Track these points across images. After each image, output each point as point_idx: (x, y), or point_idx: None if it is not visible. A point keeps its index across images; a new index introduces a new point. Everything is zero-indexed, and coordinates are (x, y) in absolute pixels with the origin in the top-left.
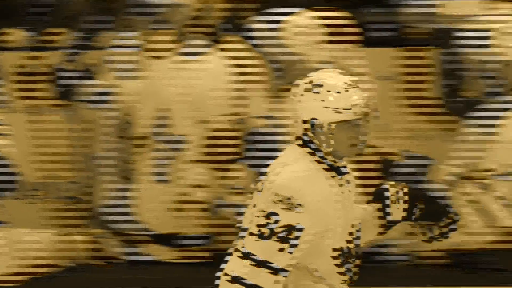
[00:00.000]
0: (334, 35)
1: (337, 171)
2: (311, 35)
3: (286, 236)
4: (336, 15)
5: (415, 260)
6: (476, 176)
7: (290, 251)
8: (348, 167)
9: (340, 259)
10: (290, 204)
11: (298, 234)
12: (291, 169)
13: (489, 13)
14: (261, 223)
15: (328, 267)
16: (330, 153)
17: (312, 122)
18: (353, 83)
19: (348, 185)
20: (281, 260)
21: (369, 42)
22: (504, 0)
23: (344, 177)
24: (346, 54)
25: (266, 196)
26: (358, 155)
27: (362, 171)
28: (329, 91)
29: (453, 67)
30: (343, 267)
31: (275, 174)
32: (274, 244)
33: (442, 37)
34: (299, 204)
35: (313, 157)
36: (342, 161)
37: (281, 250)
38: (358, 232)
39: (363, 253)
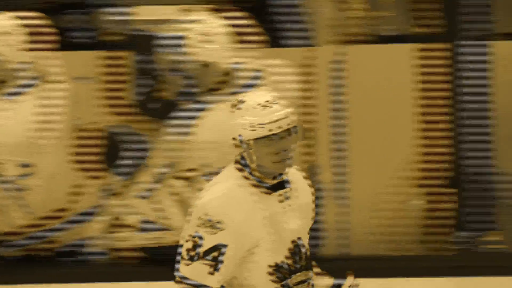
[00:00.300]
0: (33, 37)
1: (273, 187)
2: (11, 37)
3: (212, 256)
4: (35, 18)
5: (114, 257)
6: (182, 174)
7: (217, 270)
8: (293, 180)
9: (276, 275)
10: (211, 224)
11: (222, 253)
12: (213, 189)
13: (184, 18)
14: (188, 246)
15: (265, 284)
16: (257, 170)
17: (239, 140)
18: (273, 100)
19: (287, 199)
20: (211, 280)
21: (69, 45)
22: (197, 6)
23: (282, 191)
24: (45, 56)
25: (192, 218)
26: (284, 171)
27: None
28: (247, 109)
29: (151, 69)
30: (281, 283)
31: (200, 196)
32: (202, 265)
33: (140, 41)
34: (219, 223)
35: (244, 175)
36: (279, 177)
37: (209, 271)
38: (299, 246)
39: (64, 251)
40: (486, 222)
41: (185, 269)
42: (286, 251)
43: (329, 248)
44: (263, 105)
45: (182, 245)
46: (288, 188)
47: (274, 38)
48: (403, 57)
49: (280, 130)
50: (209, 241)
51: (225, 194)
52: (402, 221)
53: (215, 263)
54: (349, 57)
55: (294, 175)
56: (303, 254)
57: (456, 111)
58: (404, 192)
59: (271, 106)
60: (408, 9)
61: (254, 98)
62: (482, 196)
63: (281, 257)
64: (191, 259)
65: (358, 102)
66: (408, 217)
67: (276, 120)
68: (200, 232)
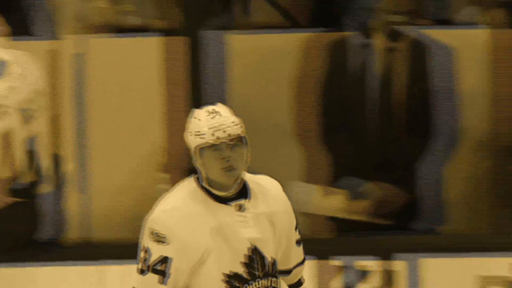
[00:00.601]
0: None
1: (226, 198)
2: None
3: (159, 268)
4: None
5: None
6: None
7: (165, 282)
8: (256, 191)
9: (230, 284)
10: (158, 237)
11: (168, 266)
12: (165, 202)
13: None
14: (141, 257)
15: None
16: (207, 180)
17: (192, 150)
18: (219, 111)
19: (243, 210)
20: None
21: None
22: None
23: (238, 202)
24: None
25: (145, 229)
26: (230, 181)
27: None
28: (194, 117)
29: None
30: None
31: (155, 206)
32: (152, 277)
33: None
34: (164, 237)
35: (198, 186)
36: (232, 187)
37: (159, 282)
38: (257, 255)
39: None
40: None
41: (137, 280)
42: (242, 260)
43: (73, 235)
44: (208, 115)
45: (139, 255)
46: (248, 199)
47: (20, 29)
48: (146, 50)
49: (223, 139)
50: (156, 253)
51: (174, 207)
52: (147, 205)
53: (162, 276)
54: (92, 49)
55: (261, 186)
56: (265, 262)
57: (198, 103)
58: (149, 178)
59: (213, 117)
60: (151, 2)
61: (203, 110)
62: None
63: (235, 267)
64: (142, 271)
65: (101, 93)
66: (154, 201)
67: (219, 130)
68: (149, 245)
